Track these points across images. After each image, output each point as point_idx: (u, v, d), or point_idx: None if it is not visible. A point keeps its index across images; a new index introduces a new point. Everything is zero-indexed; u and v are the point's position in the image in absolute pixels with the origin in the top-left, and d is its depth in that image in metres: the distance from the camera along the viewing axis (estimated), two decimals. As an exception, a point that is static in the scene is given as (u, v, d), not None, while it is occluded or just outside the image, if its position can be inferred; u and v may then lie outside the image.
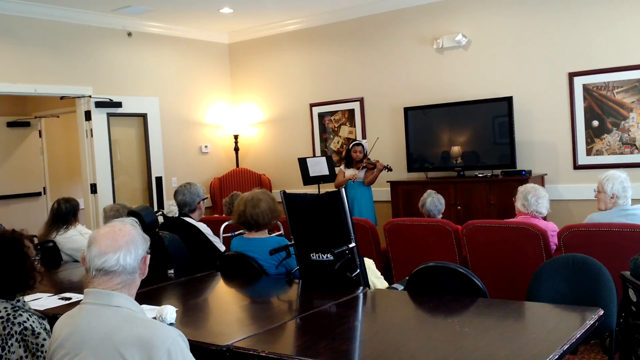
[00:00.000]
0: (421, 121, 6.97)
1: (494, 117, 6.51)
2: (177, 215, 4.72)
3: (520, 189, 4.63)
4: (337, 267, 3.15)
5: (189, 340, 1.94)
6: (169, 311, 2.62)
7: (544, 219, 4.66)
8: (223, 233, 4.94)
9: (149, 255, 2.05)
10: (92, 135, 7.07)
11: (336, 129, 7.86)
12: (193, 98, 8.28)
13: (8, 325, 2.30)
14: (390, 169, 6.69)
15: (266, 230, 3.83)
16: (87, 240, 2.03)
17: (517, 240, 4.32)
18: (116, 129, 7.31)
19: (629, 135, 5.96)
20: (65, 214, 4.82)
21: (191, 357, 1.88)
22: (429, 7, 7.00)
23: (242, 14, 7.57)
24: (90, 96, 7.04)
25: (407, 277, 3.19)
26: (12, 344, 2.28)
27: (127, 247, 1.96)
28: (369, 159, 6.91)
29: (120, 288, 1.95)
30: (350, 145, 6.93)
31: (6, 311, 2.34)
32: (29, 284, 2.47)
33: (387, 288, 3.45)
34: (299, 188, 7.20)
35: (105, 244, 1.95)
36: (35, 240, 2.71)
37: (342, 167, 6.97)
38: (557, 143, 6.34)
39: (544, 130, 6.39)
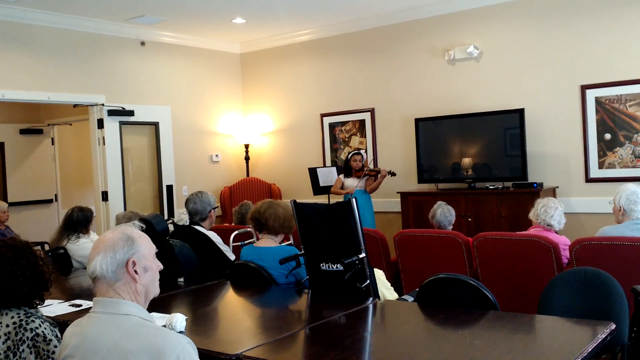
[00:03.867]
0: (432, 132, 6.97)
1: (506, 129, 6.50)
2: (187, 223, 4.73)
3: (537, 200, 4.64)
4: (347, 278, 3.14)
5: (198, 348, 1.94)
6: (179, 319, 2.63)
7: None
8: (233, 242, 4.95)
9: (132, 259, 1.95)
10: (104, 143, 7.12)
11: (347, 139, 7.87)
12: (205, 107, 8.33)
13: (20, 331, 2.31)
14: (394, 174, 6.69)
15: (276, 240, 3.83)
16: None
17: (529, 253, 4.29)
18: (128, 137, 7.36)
19: (641, 148, 5.93)
20: (75, 222, 4.84)
21: None
22: (440, 19, 7.01)
23: (255, 24, 7.61)
24: (103, 104, 7.10)
25: (417, 289, 3.18)
26: (23, 350, 2.29)
27: (104, 253, 1.95)
28: (370, 167, 6.92)
29: (112, 294, 1.94)
30: (350, 155, 6.96)
31: (19, 317, 2.35)
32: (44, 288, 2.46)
33: (397, 299, 3.44)
34: (309, 198, 7.21)
35: (91, 252, 1.99)
36: (46, 247, 2.71)
37: (342, 176, 6.98)
38: (569, 156, 6.31)
39: (555, 143, 6.37)
